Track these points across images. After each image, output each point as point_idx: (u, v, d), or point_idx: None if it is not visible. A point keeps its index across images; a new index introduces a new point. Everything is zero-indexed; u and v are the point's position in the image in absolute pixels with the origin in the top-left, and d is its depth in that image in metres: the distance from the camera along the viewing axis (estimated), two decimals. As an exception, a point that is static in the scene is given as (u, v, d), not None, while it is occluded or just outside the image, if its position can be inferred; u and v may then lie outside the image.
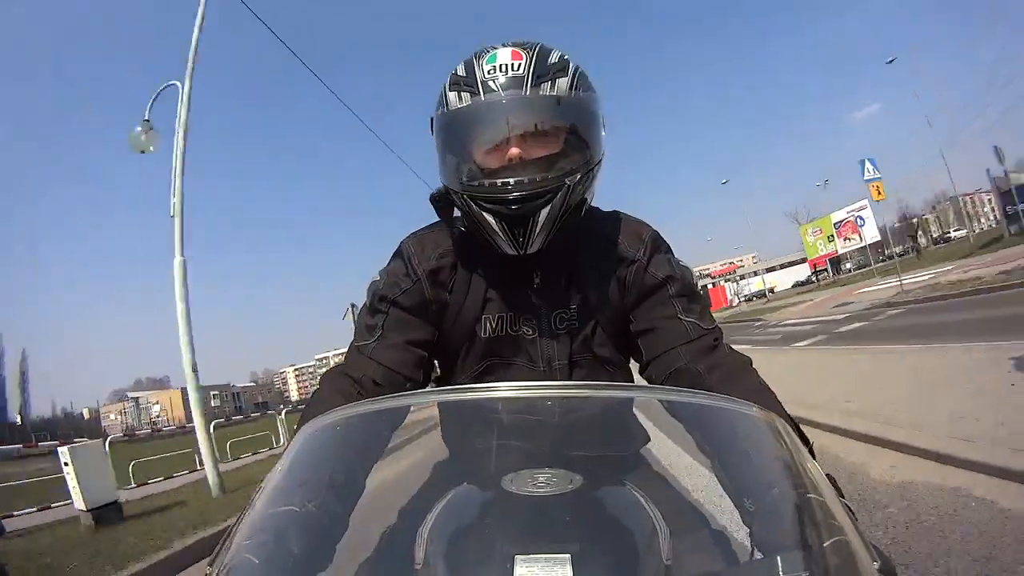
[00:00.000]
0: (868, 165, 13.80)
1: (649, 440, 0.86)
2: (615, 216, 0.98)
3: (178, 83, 6.16)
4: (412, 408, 0.68)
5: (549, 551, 0.47)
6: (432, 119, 0.87)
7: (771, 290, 44.49)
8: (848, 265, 41.50)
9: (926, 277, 16.84)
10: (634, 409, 0.78)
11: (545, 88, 0.78)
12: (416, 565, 0.52)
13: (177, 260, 5.83)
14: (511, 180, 0.78)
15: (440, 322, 0.93)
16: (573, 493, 0.55)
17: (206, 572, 0.50)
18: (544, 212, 0.80)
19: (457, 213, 0.91)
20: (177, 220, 5.90)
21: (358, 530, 0.60)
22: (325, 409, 0.66)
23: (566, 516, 0.54)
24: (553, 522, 0.54)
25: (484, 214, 0.81)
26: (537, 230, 0.81)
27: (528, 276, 0.91)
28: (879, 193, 14.07)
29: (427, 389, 0.83)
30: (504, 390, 0.69)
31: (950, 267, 18.93)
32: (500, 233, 0.82)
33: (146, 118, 6.45)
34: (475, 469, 0.68)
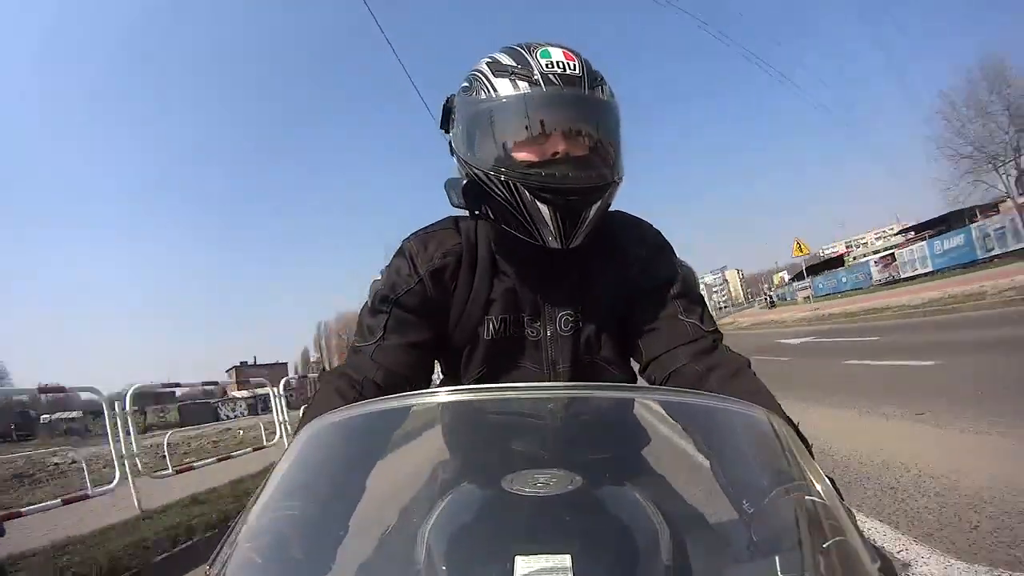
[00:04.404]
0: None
1: (650, 441, 0.86)
2: (619, 217, 0.98)
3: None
4: (413, 409, 0.68)
5: (549, 551, 0.47)
6: (449, 106, 0.87)
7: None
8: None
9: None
10: (634, 409, 0.78)
11: (598, 92, 0.82)
12: (417, 566, 0.51)
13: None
14: (570, 172, 0.79)
15: (443, 323, 0.92)
16: (573, 493, 0.54)
17: (206, 573, 0.49)
18: (595, 207, 0.82)
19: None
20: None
21: (359, 531, 0.60)
22: (325, 410, 0.66)
23: (566, 516, 0.54)
24: (553, 522, 0.54)
25: (538, 203, 0.80)
26: (586, 224, 0.83)
27: (533, 277, 0.91)
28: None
29: (428, 390, 0.82)
30: (505, 391, 0.69)
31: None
32: (550, 224, 0.82)
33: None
34: (476, 469, 0.68)
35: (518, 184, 0.80)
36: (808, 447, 0.64)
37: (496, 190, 0.83)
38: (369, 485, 0.66)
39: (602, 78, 0.84)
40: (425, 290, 0.90)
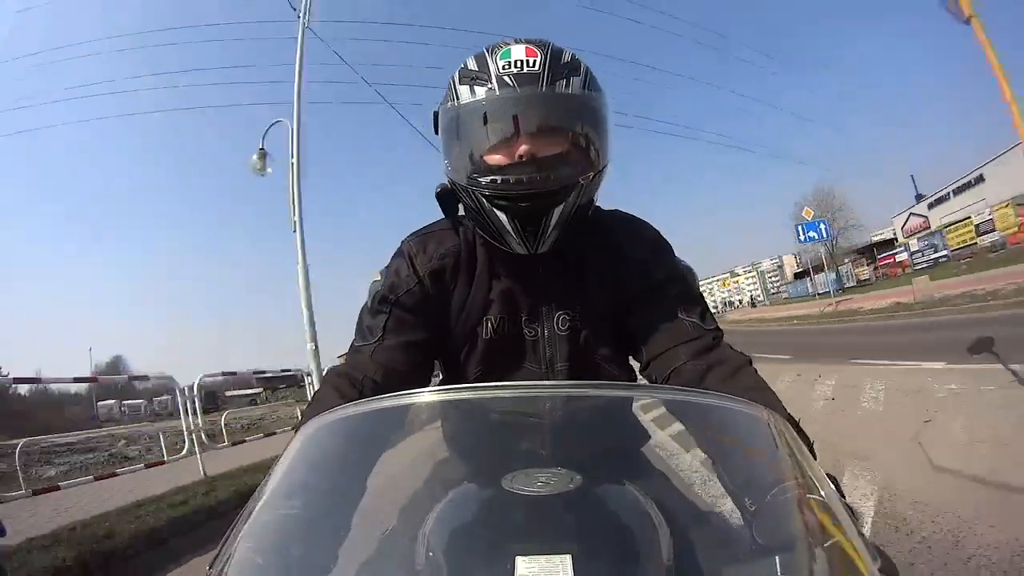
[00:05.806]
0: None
1: (650, 439, 0.86)
2: (616, 216, 0.97)
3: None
4: (412, 407, 0.67)
5: (550, 551, 0.47)
6: (436, 113, 0.86)
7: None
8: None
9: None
10: (634, 408, 0.78)
11: (560, 86, 0.78)
12: (417, 565, 0.51)
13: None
14: (524, 177, 0.77)
15: (442, 323, 0.92)
16: (573, 492, 0.54)
17: (206, 573, 0.49)
18: (557, 211, 0.80)
19: (461, 211, 0.90)
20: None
21: (359, 530, 0.60)
22: (324, 409, 0.66)
23: (566, 516, 0.54)
24: (553, 521, 0.54)
25: (496, 211, 0.80)
26: (549, 229, 0.81)
27: (531, 277, 0.90)
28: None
29: (427, 388, 0.82)
30: (505, 389, 0.69)
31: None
32: (512, 231, 0.81)
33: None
34: (475, 469, 0.68)
35: (474, 191, 0.80)
36: (809, 445, 0.63)
37: (462, 198, 0.83)
38: (369, 484, 0.65)
39: (574, 69, 0.80)
40: (424, 291, 0.89)
